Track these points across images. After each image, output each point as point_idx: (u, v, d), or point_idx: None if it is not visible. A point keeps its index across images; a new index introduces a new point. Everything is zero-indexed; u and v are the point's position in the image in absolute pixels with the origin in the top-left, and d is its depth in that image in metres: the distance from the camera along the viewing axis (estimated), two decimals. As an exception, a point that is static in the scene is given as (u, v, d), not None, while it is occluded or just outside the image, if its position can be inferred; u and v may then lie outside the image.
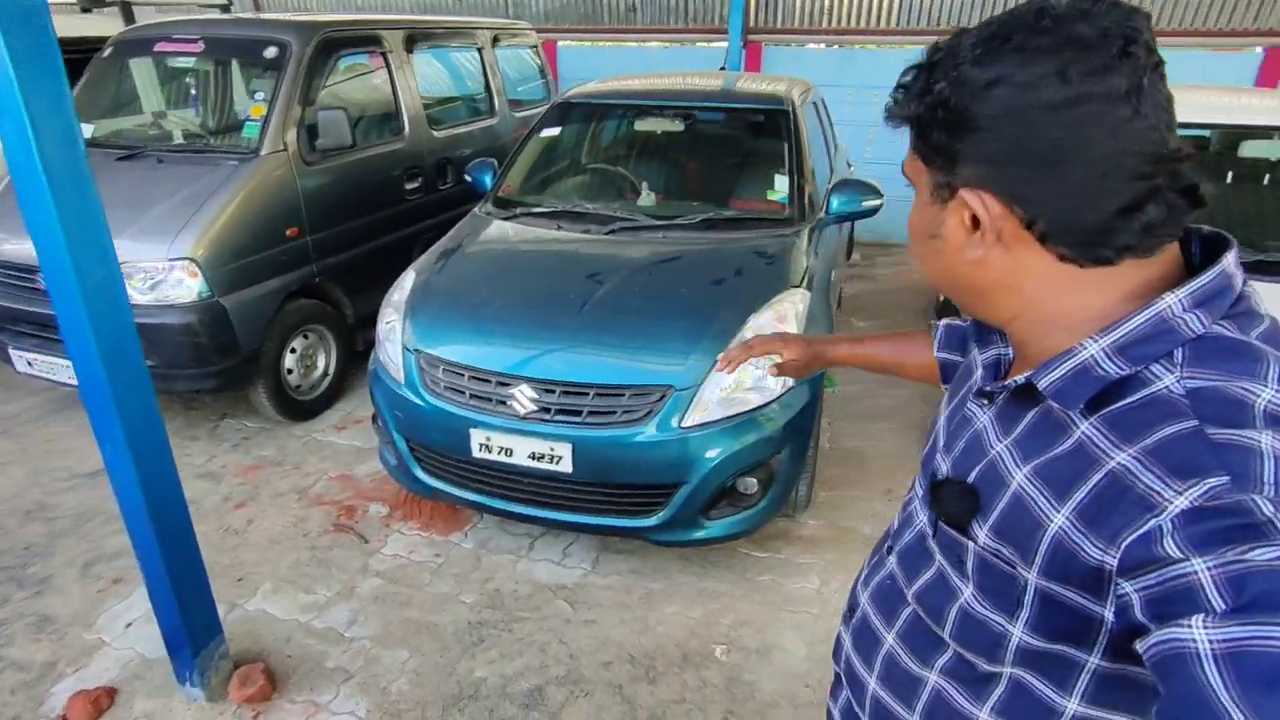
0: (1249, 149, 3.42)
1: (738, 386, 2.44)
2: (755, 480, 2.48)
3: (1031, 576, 0.63)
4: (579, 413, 2.38)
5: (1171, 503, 0.53)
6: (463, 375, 2.50)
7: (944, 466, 0.77)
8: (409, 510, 3.00)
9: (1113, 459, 0.58)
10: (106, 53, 3.81)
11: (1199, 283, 0.59)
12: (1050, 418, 0.65)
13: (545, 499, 2.50)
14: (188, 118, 3.82)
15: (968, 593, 0.70)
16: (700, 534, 2.48)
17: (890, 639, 0.83)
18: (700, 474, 2.37)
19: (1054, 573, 0.61)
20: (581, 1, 7.27)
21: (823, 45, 7.14)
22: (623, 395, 2.37)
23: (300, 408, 3.60)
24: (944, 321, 1.07)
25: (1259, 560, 0.49)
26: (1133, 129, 0.57)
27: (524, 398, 2.41)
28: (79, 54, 3.85)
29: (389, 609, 2.51)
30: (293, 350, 3.52)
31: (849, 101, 6.63)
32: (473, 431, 2.45)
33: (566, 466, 2.39)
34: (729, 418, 2.39)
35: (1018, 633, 0.66)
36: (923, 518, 0.80)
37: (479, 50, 4.97)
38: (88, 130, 3.61)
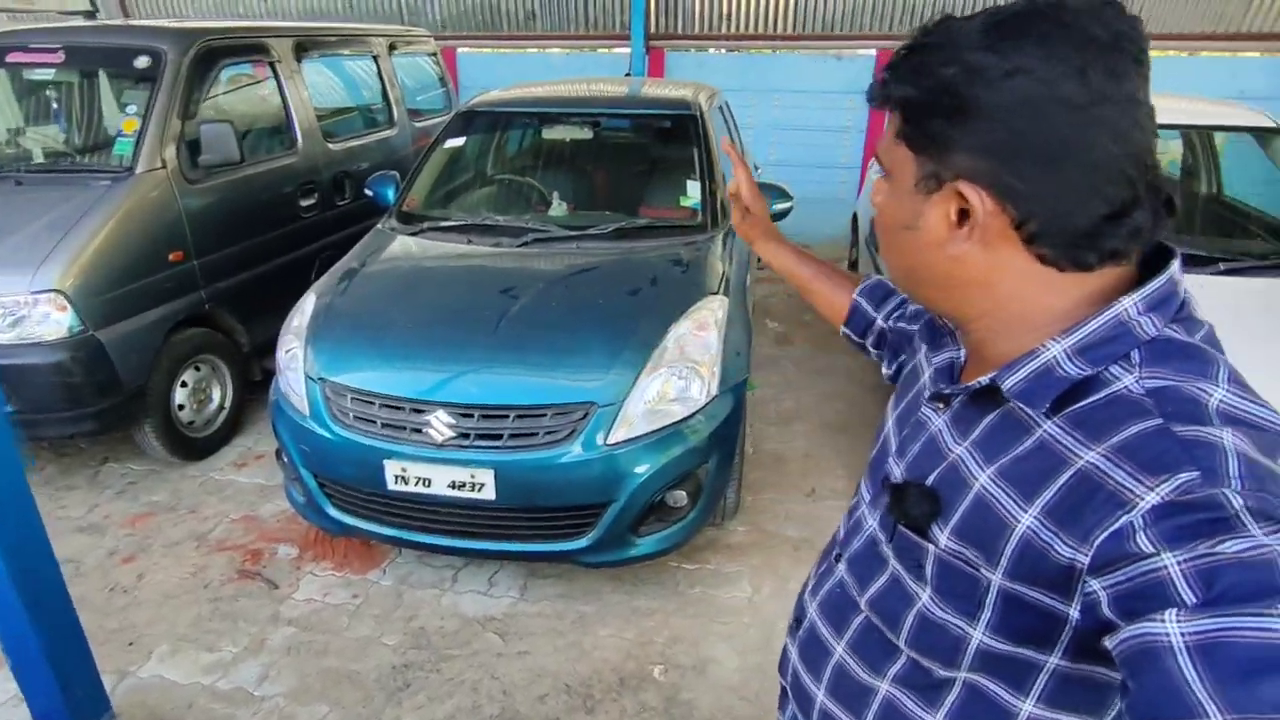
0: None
1: (661, 399, 2.40)
2: (684, 493, 2.44)
3: (995, 578, 0.63)
4: (500, 436, 2.28)
5: (1143, 499, 0.54)
6: (373, 403, 2.35)
7: (898, 470, 0.76)
8: (321, 549, 2.81)
9: (1081, 457, 0.58)
10: (-51, 64, 3.43)
11: (1152, 287, 0.61)
12: (1010, 419, 0.65)
13: (468, 529, 2.38)
14: (51, 135, 3.48)
15: (925, 597, 0.69)
16: (631, 552, 2.42)
17: (840, 649, 0.81)
18: (628, 491, 2.31)
19: (1020, 573, 0.61)
20: (480, 8, 7.11)
21: (724, 50, 7.24)
22: (544, 415, 2.29)
23: (194, 446, 3.33)
24: (858, 295, 1.09)
25: (1229, 553, 0.50)
26: (1133, 136, 0.58)
27: (440, 424, 2.29)
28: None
29: (304, 660, 2.34)
30: (184, 384, 3.25)
31: (751, 105, 6.75)
32: (387, 463, 2.31)
33: (489, 494, 2.28)
34: (654, 431, 2.35)
35: (978, 635, 0.66)
36: (873, 523, 0.79)
37: (375, 59, 4.77)
38: (-72, 151, 3.24)
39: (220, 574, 2.69)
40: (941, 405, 0.74)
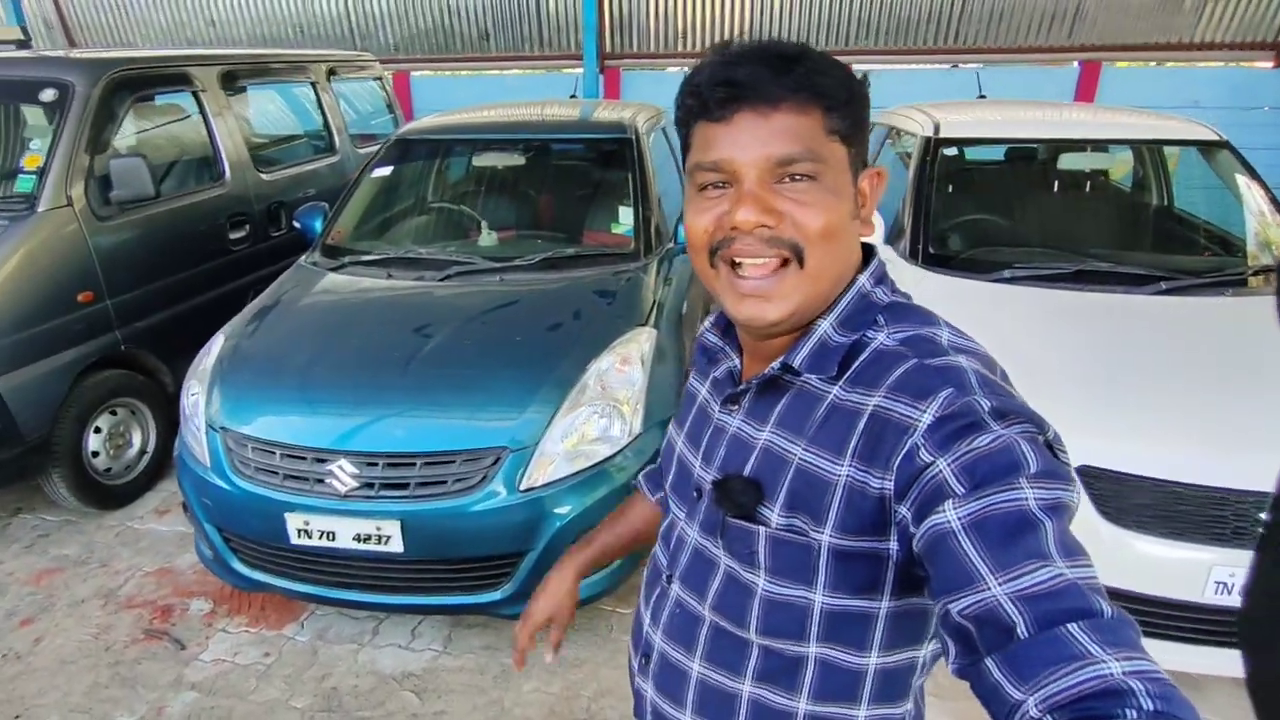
0: (1068, 161, 3.60)
1: (582, 438, 2.29)
2: (608, 537, 2.32)
3: (825, 537, 0.70)
4: (406, 485, 2.16)
5: (920, 420, 0.65)
6: (274, 453, 2.23)
7: (709, 476, 0.82)
8: (236, 604, 2.66)
9: (869, 404, 0.69)
10: None
11: (873, 267, 0.78)
12: (803, 395, 0.75)
13: (378, 583, 2.26)
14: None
15: (763, 580, 0.75)
16: (554, 602, 2.29)
17: (696, 666, 0.84)
18: (546, 537, 2.20)
19: (847, 524, 0.69)
20: (434, 30, 7.03)
21: (685, 68, 7.20)
22: (453, 462, 2.17)
23: (111, 493, 3.17)
24: (641, 475, 1.19)
25: (982, 446, 0.62)
26: None
27: (343, 474, 2.16)
28: None
29: (204, 728, 2.19)
30: (98, 430, 3.10)
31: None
32: (288, 516, 2.18)
33: (397, 546, 2.16)
34: (574, 474, 2.23)
35: (819, 599, 0.73)
36: (694, 534, 0.84)
37: (313, 85, 4.65)
38: None
39: (125, 634, 2.54)
40: (734, 406, 0.82)
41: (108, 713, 2.24)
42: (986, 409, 0.64)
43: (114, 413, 3.18)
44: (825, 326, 0.74)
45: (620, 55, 6.95)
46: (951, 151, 3.57)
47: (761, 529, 0.74)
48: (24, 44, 5.42)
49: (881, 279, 0.78)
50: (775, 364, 0.75)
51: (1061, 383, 2.20)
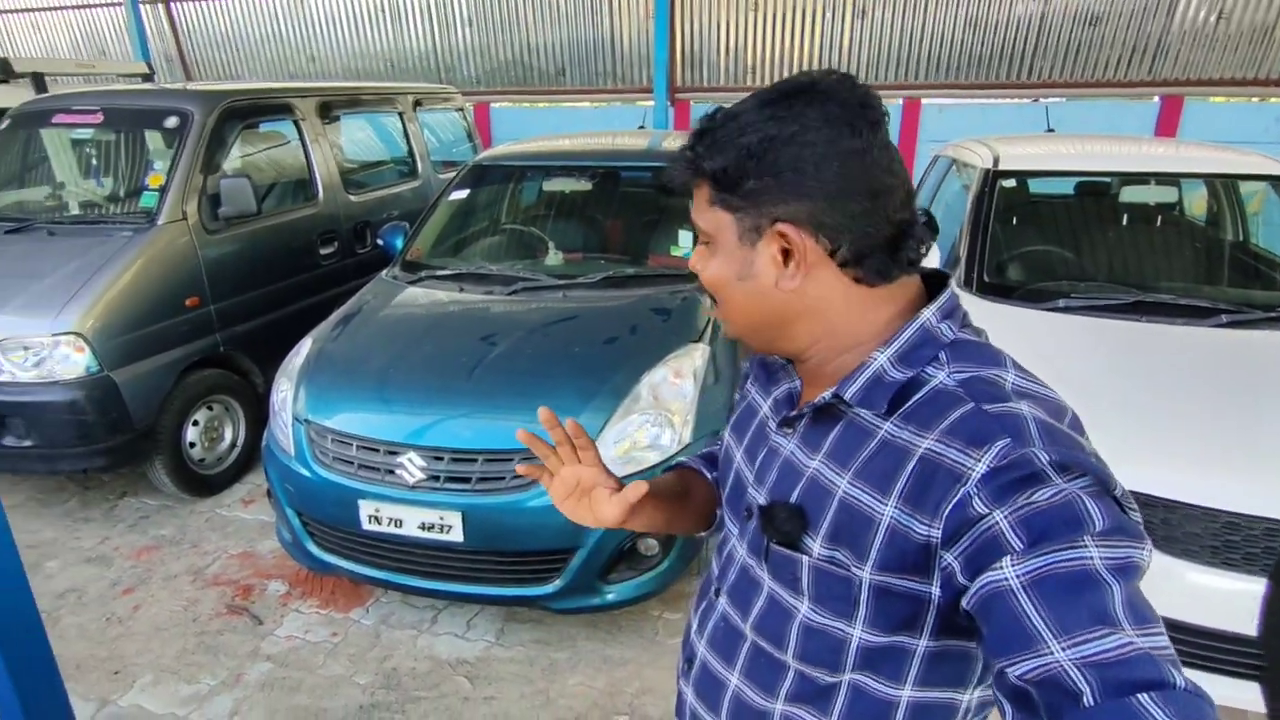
0: (1132, 195, 3.58)
1: (633, 445, 2.41)
2: (655, 541, 2.43)
3: (866, 574, 0.71)
4: (468, 480, 2.32)
5: (974, 469, 0.64)
6: (351, 445, 2.43)
7: (760, 497, 0.82)
8: (309, 587, 2.87)
9: (920, 446, 0.68)
10: (3, 125, 3.74)
11: (942, 300, 0.75)
12: (853, 427, 0.75)
13: (439, 571, 2.42)
14: (87, 188, 3.75)
15: (805, 608, 0.76)
16: (600, 600, 2.41)
17: (734, 679, 0.86)
18: (595, 537, 2.32)
19: (889, 563, 0.69)
20: (513, 66, 7.42)
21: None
22: (511, 459, 2.32)
23: (205, 482, 3.46)
24: (700, 454, 1.09)
25: (1041, 501, 0.60)
26: (895, 169, 0.72)
27: (412, 466, 2.34)
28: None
29: (276, 696, 2.38)
30: (196, 423, 3.40)
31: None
32: (361, 503, 2.37)
33: (457, 536, 2.32)
34: (624, 477, 2.35)
35: (857, 633, 0.73)
36: (743, 552, 0.86)
37: (400, 115, 5.01)
38: (-23, 204, 3.52)
39: (210, 608, 2.77)
40: (789, 430, 0.82)
41: (194, 675, 2.46)
42: (1046, 461, 0.62)
43: (210, 408, 3.48)
44: (881, 360, 0.73)
45: (690, 88, 7.18)
46: (1011, 183, 3.58)
47: (805, 558, 0.75)
48: (148, 78, 6.00)
49: (949, 313, 0.75)
50: (827, 393, 0.76)
51: (1111, 409, 2.21)
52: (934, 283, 0.79)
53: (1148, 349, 2.56)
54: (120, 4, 8.00)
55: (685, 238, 3.30)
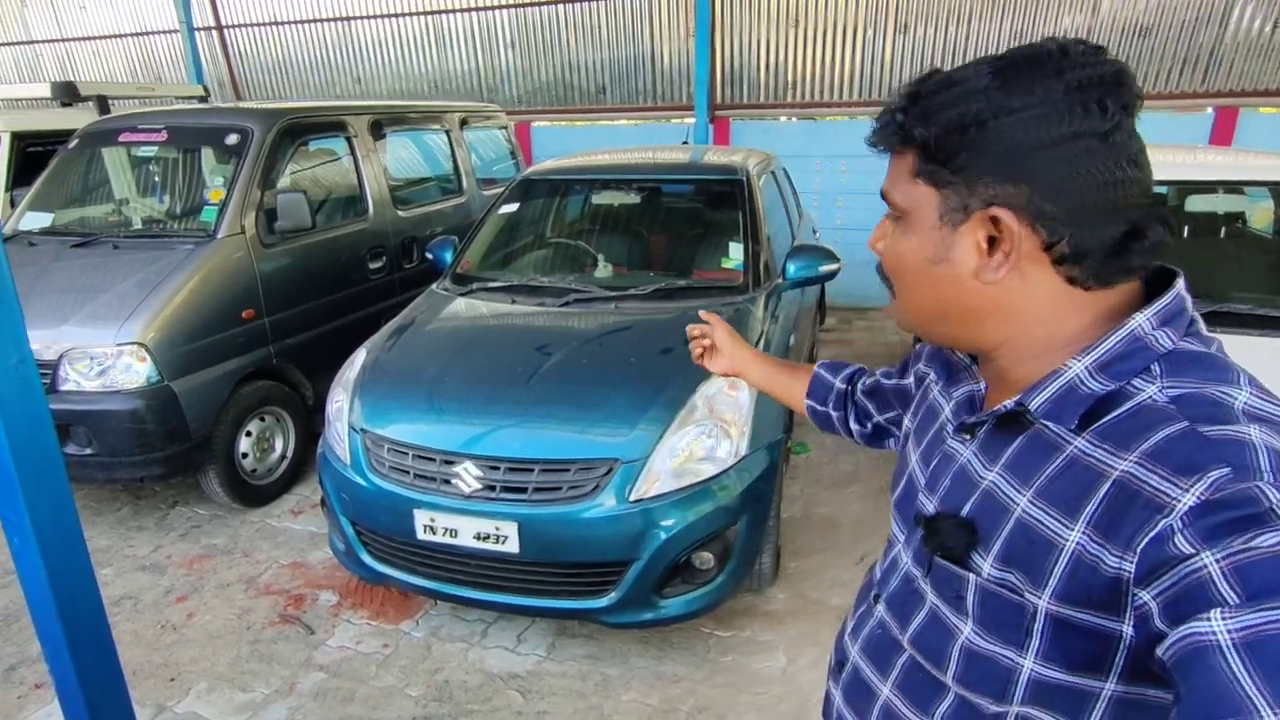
0: (1204, 203, 3.47)
1: (689, 456, 2.38)
2: (710, 555, 2.38)
3: (1042, 602, 0.63)
4: (524, 490, 2.31)
5: (1180, 500, 0.55)
6: (406, 454, 2.43)
7: (930, 505, 0.77)
8: (360, 598, 2.87)
9: (1116, 468, 0.60)
10: (72, 144, 3.87)
11: (1163, 303, 0.65)
12: (1039, 440, 0.67)
13: (493, 582, 2.39)
14: (149, 204, 3.85)
15: (968, 630, 0.70)
16: (655, 614, 2.36)
17: (887, 690, 0.80)
18: (651, 550, 2.28)
19: (1071, 594, 0.61)
20: (554, 85, 7.51)
21: (793, 118, 7.36)
22: (568, 470, 2.30)
23: (256, 492, 3.50)
24: (819, 367, 1.20)
25: (1264, 547, 0.51)
26: (1141, 161, 0.64)
27: (468, 476, 2.33)
28: (60, 145, 3.94)
29: (329, 706, 2.37)
30: (248, 433, 3.44)
31: (818, 171, 6.79)
32: (417, 512, 2.36)
33: (513, 546, 2.30)
34: (681, 489, 2.32)
35: (1029, 665, 0.65)
36: (908, 560, 0.81)
37: (447, 133, 5.08)
38: (47, 219, 3.63)
39: (263, 617, 2.78)
40: (968, 436, 0.75)
41: (248, 683, 2.46)
42: (1274, 500, 0.52)
43: (262, 419, 3.52)
44: (1077, 369, 0.65)
45: (730, 106, 7.18)
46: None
47: (971, 576, 0.69)
48: (204, 99, 6.18)
49: (1171, 319, 0.64)
50: (1011, 401, 0.68)
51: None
52: (1158, 284, 0.68)
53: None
54: (177, 31, 8.29)
55: (735, 249, 3.28)
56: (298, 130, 3.77)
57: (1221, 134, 6.63)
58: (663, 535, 2.28)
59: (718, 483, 2.36)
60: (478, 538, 2.31)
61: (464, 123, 5.28)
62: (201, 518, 3.47)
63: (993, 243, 0.66)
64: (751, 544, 2.48)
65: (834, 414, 1.17)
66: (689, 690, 2.41)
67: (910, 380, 1.00)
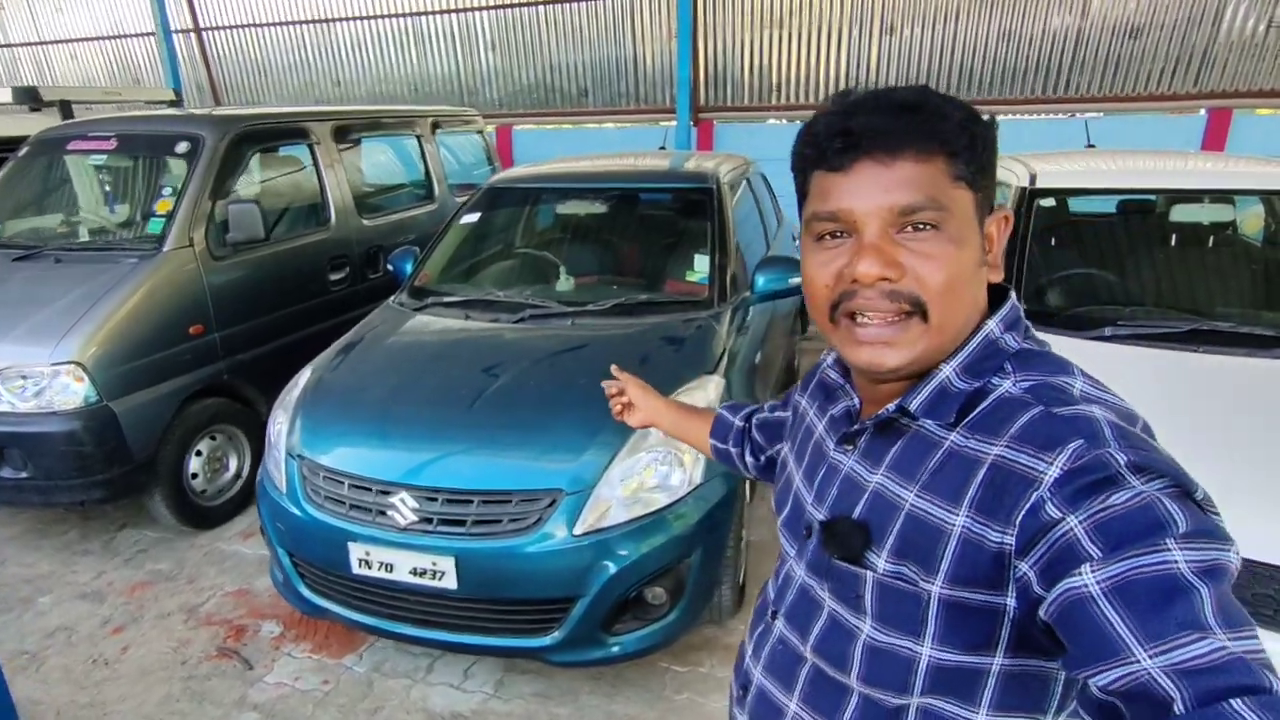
0: (1181, 213, 3.34)
1: (640, 485, 2.25)
2: (663, 589, 2.26)
3: (935, 588, 0.68)
4: (463, 523, 2.18)
5: (1046, 473, 0.62)
6: (342, 483, 2.30)
7: (819, 515, 0.80)
8: (304, 629, 2.74)
9: (989, 454, 0.66)
10: (22, 152, 3.75)
11: (1003, 312, 0.74)
12: (918, 439, 0.73)
13: (431, 619, 2.27)
14: (98, 215, 3.72)
15: (868, 627, 0.73)
16: (603, 653, 2.23)
17: (793, 705, 0.83)
18: (598, 585, 2.15)
19: (961, 575, 0.66)
20: (536, 87, 7.39)
21: (783, 120, 7.23)
22: (509, 501, 2.17)
23: (206, 514, 3.37)
24: (721, 408, 1.25)
25: (1118, 504, 0.58)
26: None
27: (404, 507, 2.21)
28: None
29: (259, 751, 2.24)
30: (198, 453, 3.32)
31: (803, 175, 6.67)
32: (351, 545, 2.24)
33: (451, 582, 2.17)
34: (629, 521, 2.19)
35: (926, 651, 0.70)
36: (801, 573, 0.83)
37: (418, 138, 4.96)
38: (-11, 231, 3.51)
39: (201, 650, 2.66)
40: (850, 446, 0.80)
41: (175, 726, 2.33)
42: (1122, 462, 0.59)
43: (213, 438, 3.40)
44: (947, 372, 0.72)
45: (714, 108, 7.07)
46: (1049, 203, 3.37)
47: (868, 574, 0.72)
48: (174, 104, 6.06)
49: (1013, 324, 0.74)
50: (891, 406, 0.74)
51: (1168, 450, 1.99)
52: (993, 296, 0.77)
53: (1207, 383, 2.33)
54: (153, 34, 8.17)
55: (701, 262, 3.15)
56: (253, 138, 3.64)
57: (1215, 136, 6.51)
58: (611, 570, 2.15)
59: (671, 513, 2.23)
60: (414, 573, 2.19)
61: (436, 127, 5.15)
62: (150, 541, 3.35)
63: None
64: (707, 576, 2.36)
65: (733, 450, 1.21)
66: (641, 731, 2.29)
67: (788, 412, 1.05)
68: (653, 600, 2.27)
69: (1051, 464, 0.62)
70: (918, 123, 0.67)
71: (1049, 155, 3.87)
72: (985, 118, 0.72)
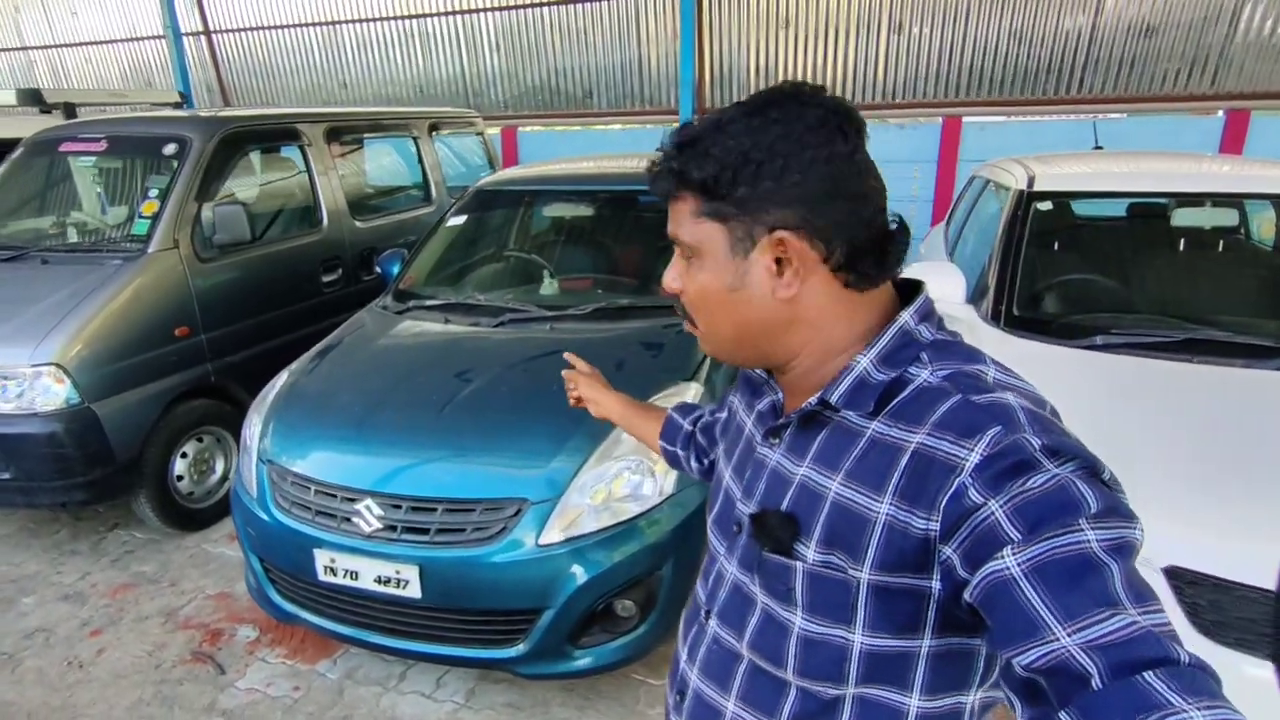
0: (1186, 218, 3.24)
1: (609, 495, 2.20)
2: (632, 602, 2.21)
3: (864, 574, 0.69)
4: (427, 531, 2.14)
5: (968, 459, 0.64)
6: (309, 489, 2.28)
7: (748, 510, 0.81)
8: (279, 635, 2.72)
9: (911, 441, 0.68)
10: (17, 154, 3.77)
11: (918, 303, 0.76)
12: (840, 430, 0.74)
13: (398, 628, 2.23)
14: (86, 216, 3.74)
15: (799, 619, 0.74)
16: (571, 665, 2.19)
17: (731, 705, 0.83)
18: (564, 597, 2.11)
19: (888, 561, 0.68)
20: (540, 89, 7.37)
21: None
22: (473, 510, 2.14)
23: (192, 516, 3.37)
24: (672, 410, 1.26)
25: (1034, 488, 0.60)
26: (877, 175, 0.74)
27: (369, 515, 2.17)
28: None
29: (224, 758, 2.22)
30: (184, 455, 3.32)
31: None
32: (317, 552, 2.21)
33: (415, 591, 2.13)
34: (597, 532, 2.15)
35: (859, 639, 0.71)
36: (733, 570, 0.84)
37: (415, 139, 4.94)
38: (-19, 232, 3.53)
39: (176, 654, 2.65)
40: (775, 440, 0.81)
41: (142, 731, 2.32)
42: (1038, 446, 0.62)
43: (200, 440, 3.39)
44: (864, 363, 0.73)
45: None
46: (1047, 206, 3.28)
47: (798, 564, 0.74)
48: (179, 106, 6.10)
49: (926, 316, 0.76)
50: (813, 399, 0.75)
51: (1155, 467, 1.91)
52: (905, 291, 0.80)
53: (1200, 395, 2.24)
54: (164, 37, 8.26)
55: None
56: (243, 139, 3.64)
57: (1233, 138, 6.34)
58: (578, 581, 2.11)
59: (638, 525, 2.18)
60: (378, 581, 2.16)
61: (434, 129, 5.14)
62: (137, 542, 3.35)
63: (779, 263, 0.72)
64: (679, 588, 2.30)
65: (681, 453, 1.22)
66: (611, 745, 2.24)
67: (725, 412, 1.05)
68: (622, 613, 2.22)
69: (972, 450, 0.64)
70: (677, 164, 0.73)
71: (1050, 157, 3.77)
72: (751, 153, 0.70)
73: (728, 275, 0.74)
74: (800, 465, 0.76)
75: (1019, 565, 0.58)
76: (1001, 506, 0.60)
